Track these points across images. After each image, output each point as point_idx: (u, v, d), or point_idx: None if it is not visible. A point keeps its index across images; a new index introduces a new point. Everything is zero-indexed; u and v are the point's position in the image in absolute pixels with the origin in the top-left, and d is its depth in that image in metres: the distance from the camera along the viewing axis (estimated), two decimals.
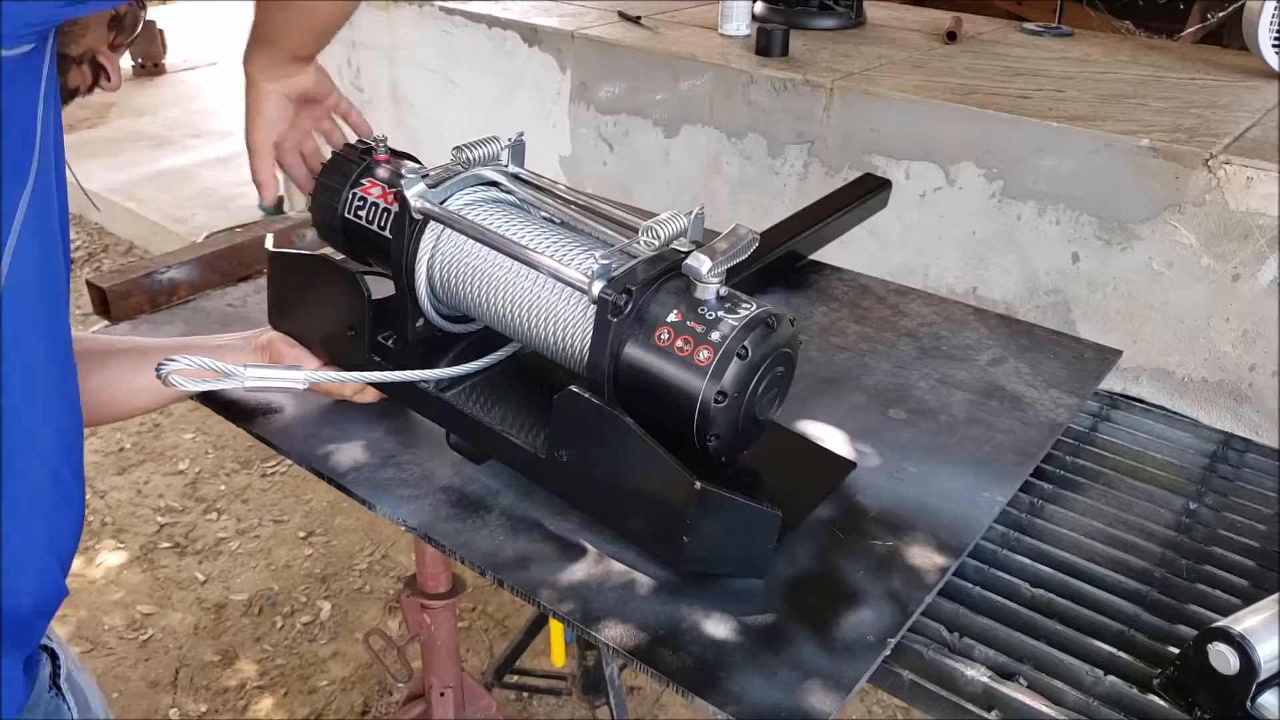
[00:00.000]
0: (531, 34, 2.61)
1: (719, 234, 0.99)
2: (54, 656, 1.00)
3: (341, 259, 1.27)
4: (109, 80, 1.17)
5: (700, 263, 0.95)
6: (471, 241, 1.10)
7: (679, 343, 0.95)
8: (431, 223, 1.12)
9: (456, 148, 1.14)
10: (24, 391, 0.84)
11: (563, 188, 1.15)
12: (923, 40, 2.54)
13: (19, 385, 0.83)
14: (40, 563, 0.89)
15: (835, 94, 2.13)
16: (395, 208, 1.13)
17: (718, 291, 0.97)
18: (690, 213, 1.03)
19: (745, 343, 0.94)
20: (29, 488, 0.86)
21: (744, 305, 0.97)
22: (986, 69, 2.26)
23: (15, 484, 0.84)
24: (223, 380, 0.99)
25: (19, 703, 0.88)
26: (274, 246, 1.27)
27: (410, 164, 1.20)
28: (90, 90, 1.17)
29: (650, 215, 1.04)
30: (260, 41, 1.14)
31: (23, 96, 0.77)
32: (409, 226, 1.11)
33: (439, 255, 1.13)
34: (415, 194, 1.09)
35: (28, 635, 0.90)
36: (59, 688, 0.99)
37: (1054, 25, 2.69)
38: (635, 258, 1.00)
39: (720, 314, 0.95)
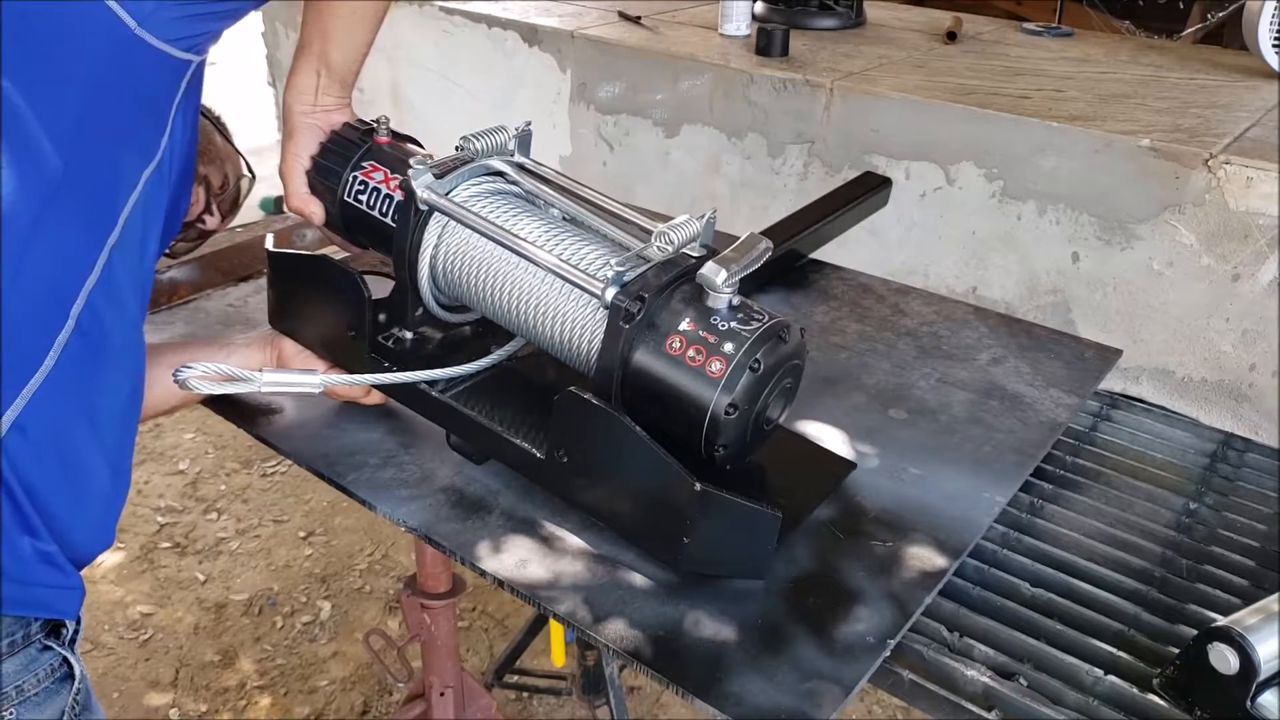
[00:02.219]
0: (531, 34, 2.61)
1: (722, 235, 0.99)
2: (78, 619, 1.02)
3: (342, 259, 1.27)
4: (211, 217, 1.47)
5: (715, 273, 0.95)
6: (478, 235, 1.10)
7: (690, 352, 0.95)
8: (436, 214, 1.11)
9: (464, 136, 1.13)
10: (120, 339, 0.96)
11: (568, 180, 1.15)
12: (923, 40, 2.54)
13: (119, 329, 0.96)
14: (103, 506, 0.99)
15: (835, 94, 2.13)
16: (398, 195, 1.13)
17: (730, 301, 0.97)
18: (702, 217, 1.02)
19: (758, 356, 0.94)
20: (106, 431, 0.98)
21: (756, 316, 0.97)
22: (986, 69, 2.26)
23: (101, 424, 0.96)
24: (239, 385, 1.00)
25: (78, 605, 0.97)
26: (274, 246, 1.27)
27: (414, 149, 1.19)
28: (198, 220, 1.46)
29: (652, 213, 1.04)
30: (301, 54, 1.14)
31: (165, 92, 0.93)
32: (414, 217, 1.11)
33: (443, 247, 1.12)
34: (422, 185, 1.09)
35: (80, 562, 0.99)
36: (73, 650, 1.01)
37: (1054, 25, 2.69)
38: (647, 263, 1.00)
39: (733, 325, 0.95)
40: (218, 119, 1.51)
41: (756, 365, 0.94)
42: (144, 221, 0.95)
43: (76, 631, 1.01)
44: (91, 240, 0.90)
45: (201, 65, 0.95)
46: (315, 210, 1.20)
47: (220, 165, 1.47)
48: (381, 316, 1.18)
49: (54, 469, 0.92)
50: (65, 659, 0.97)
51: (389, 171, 1.15)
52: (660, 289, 0.97)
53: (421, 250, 1.12)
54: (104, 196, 0.91)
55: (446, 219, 1.11)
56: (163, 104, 0.93)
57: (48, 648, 0.96)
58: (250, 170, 1.54)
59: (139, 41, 0.86)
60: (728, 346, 0.94)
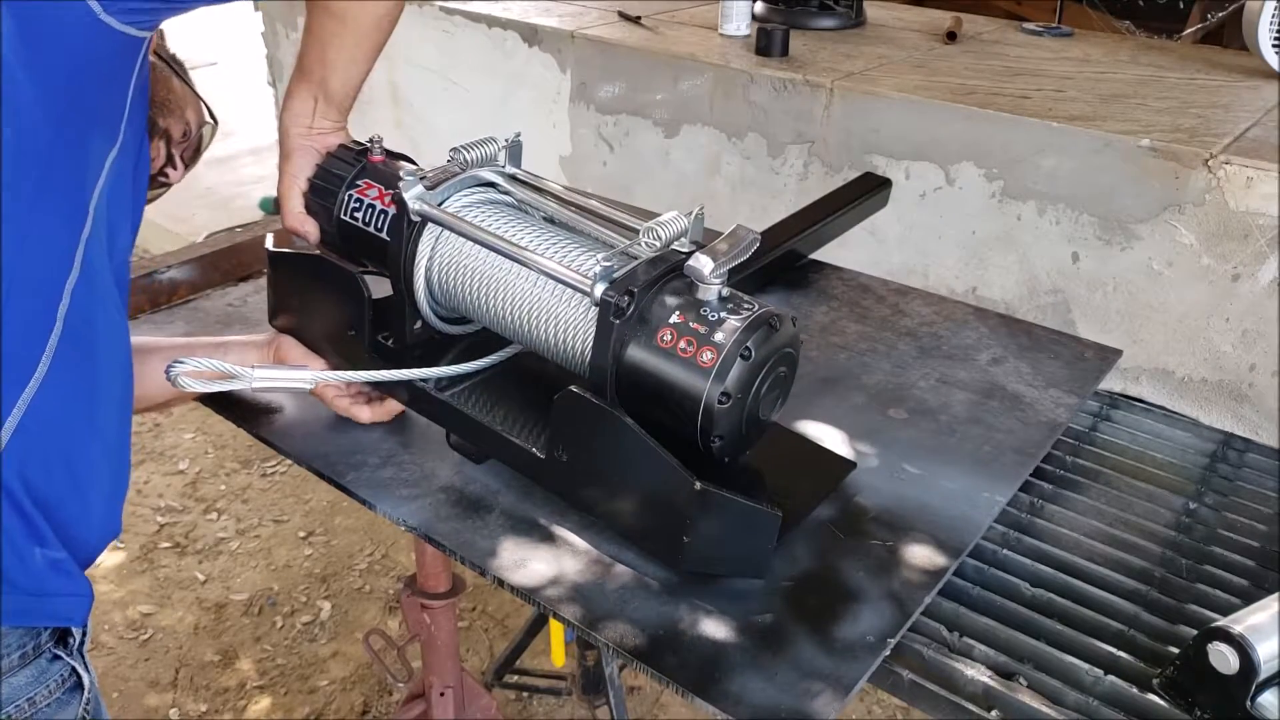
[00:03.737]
0: (531, 34, 2.61)
1: (719, 234, 0.99)
2: (85, 626, 1.01)
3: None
4: (174, 170, 1.38)
5: (702, 264, 0.95)
6: (471, 244, 1.10)
7: (682, 344, 0.95)
8: (430, 225, 1.12)
9: (454, 149, 1.14)
10: (107, 331, 0.96)
11: (560, 188, 1.15)
12: (923, 40, 2.54)
13: (105, 321, 0.95)
14: (107, 500, 0.99)
15: (835, 94, 2.13)
16: (392, 210, 1.13)
17: (719, 292, 0.97)
18: (690, 213, 1.03)
19: (748, 344, 0.94)
20: (106, 425, 0.97)
21: (746, 306, 0.97)
22: (986, 69, 2.26)
23: (100, 419, 0.96)
24: (231, 381, 1.00)
25: (87, 611, 0.97)
26: (274, 246, 1.27)
27: (407, 165, 1.19)
28: (159, 174, 1.37)
29: (649, 215, 1.04)
30: (299, 78, 1.15)
31: (121, 72, 0.91)
32: (407, 229, 1.11)
33: (437, 257, 1.13)
34: (413, 196, 1.09)
35: (86, 561, 0.99)
36: (82, 656, 1.01)
37: (1054, 25, 2.69)
38: (636, 259, 1.00)
39: (723, 315, 0.95)
40: (172, 58, 1.42)
41: (748, 353, 0.94)
42: (110, 207, 0.94)
43: (84, 637, 1.01)
44: (67, 235, 0.89)
45: (150, 40, 0.94)
46: (311, 229, 1.21)
47: (181, 114, 1.40)
48: (383, 295, 1.18)
49: (59, 472, 0.91)
50: (74, 669, 0.97)
51: (383, 188, 1.15)
52: (650, 284, 0.98)
53: (416, 261, 1.12)
54: (75, 188, 0.90)
55: (440, 230, 1.12)
56: (121, 85, 0.92)
57: (57, 657, 0.95)
58: (213, 116, 1.46)
59: (102, 25, 0.85)
60: (718, 336, 0.94)
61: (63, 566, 0.92)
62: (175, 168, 1.39)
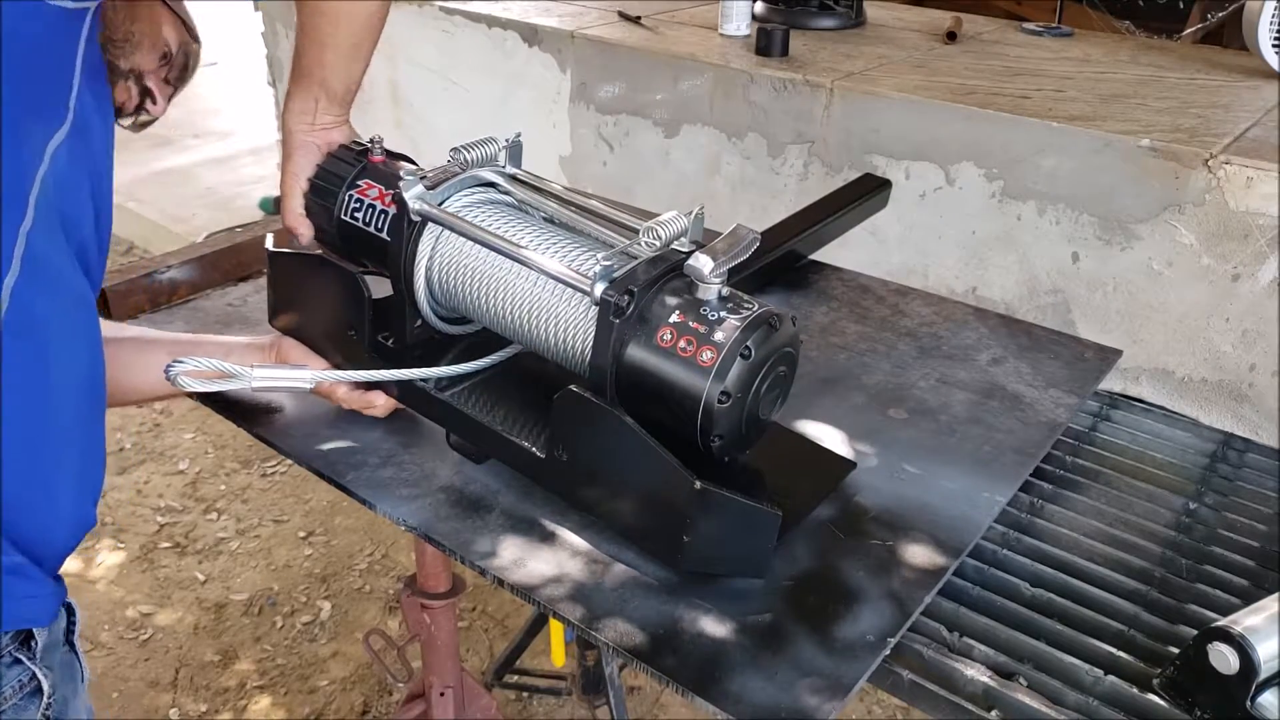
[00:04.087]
0: (531, 34, 2.61)
1: (719, 234, 0.99)
2: (71, 612, 1.00)
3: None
4: (155, 104, 1.30)
5: (702, 263, 0.95)
6: (471, 243, 1.10)
7: (681, 343, 0.95)
8: (430, 225, 1.12)
9: (454, 149, 1.14)
10: (60, 325, 0.90)
11: (560, 188, 1.15)
12: (923, 40, 2.54)
13: (57, 312, 0.89)
14: (76, 496, 0.95)
15: (835, 94, 2.13)
16: (393, 210, 1.13)
17: (719, 292, 0.97)
18: (690, 213, 1.03)
19: (748, 343, 0.94)
20: (68, 419, 0.93)
21: (746, 305, 0.97)
22: (986, 69, 2.26)
23: (59, 415, 0.91)
24: (230, 381, 0.99)
25: (53, 610, 0.94)
26: (274, 246, 1.27)
27: (407, 165, 1.19)
28: (137, 110, 1.29)
29: (649, 215, 1.04)
30: (299, 79, 1.14)
31: (66, 50, 0.85)
32: (407, 228, 1.11)
33: (438, 257, 1.13)
34: (414, 196, 1.09)
35: (58, 556, 0.96)
36: (72, 644, 1.00)
37: (1054, 25, 2.69)
38: (636, 259, 1.00)
39: (723, 314, 0.95)
40: None
41: (747, 352, 0.94)
42: (60, 193, 0.87)
43: (71, 629, 0.99)
44: (3, 233, 0.82)
45: (99, 9, 0.87)
46: (304, 230, 1.21)
47: (153, 43, 1.26)
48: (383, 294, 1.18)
49: (14, 477, 0.87)
50: (34, 673, 0.93)
51: (383, 188, 1.16)
52: (649, 283, 0.98)
53: (417, 261, 1.12)
54: (9, 181, 0.82)
55: (440, 229, 1.12)
56: (65, 64, 0.85)
57: (18, 661, 0.92)
58: (194, 34, 1.32)
59: (32, 3, 0.79)
60: (718, 335, 0.94)
61: (20, 570, 0.89)
62: (155, 101, 1.31)
